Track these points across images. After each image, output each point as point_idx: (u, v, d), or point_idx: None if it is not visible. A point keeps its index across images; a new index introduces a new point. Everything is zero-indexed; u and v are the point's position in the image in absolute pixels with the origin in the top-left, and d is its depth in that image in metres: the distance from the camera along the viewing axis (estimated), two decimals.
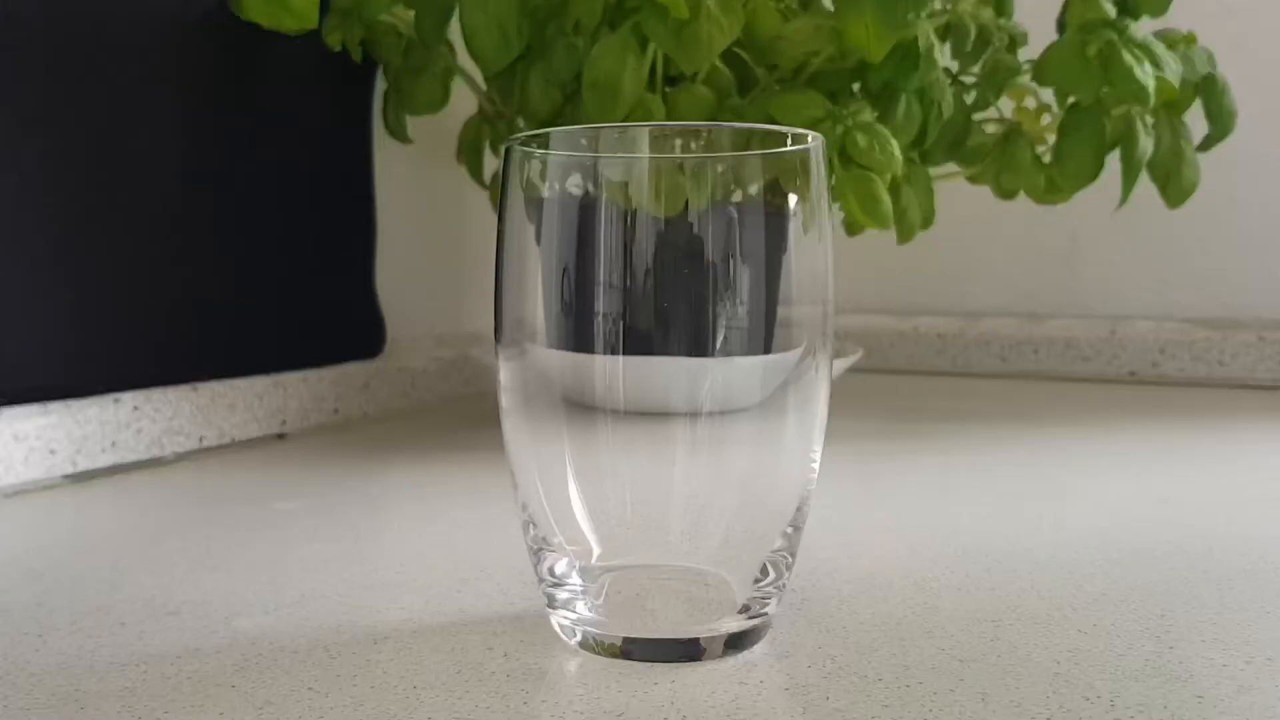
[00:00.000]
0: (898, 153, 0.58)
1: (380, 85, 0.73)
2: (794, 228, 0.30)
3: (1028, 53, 0.67)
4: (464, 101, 0.72)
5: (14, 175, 0.53)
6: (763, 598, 0.31)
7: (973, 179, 0.73)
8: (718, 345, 0.28)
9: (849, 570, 0.39)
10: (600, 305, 0.28)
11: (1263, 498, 0.51)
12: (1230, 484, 0.54)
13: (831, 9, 0.59)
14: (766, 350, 0.29)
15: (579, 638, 0.31)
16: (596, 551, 0.31)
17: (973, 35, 0.62)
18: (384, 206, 0.75)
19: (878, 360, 1.02)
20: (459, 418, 0.73)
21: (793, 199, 0.30)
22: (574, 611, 0.31)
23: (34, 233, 0.54)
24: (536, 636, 0.32)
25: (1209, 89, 0.70)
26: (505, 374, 0.31)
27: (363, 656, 0.31)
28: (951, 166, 0.71)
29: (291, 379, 0.66)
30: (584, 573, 0.31)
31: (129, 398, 0.57)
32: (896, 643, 0.32)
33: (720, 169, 0.29)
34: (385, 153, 0.75)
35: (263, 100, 0.65)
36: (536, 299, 0.30)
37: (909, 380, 0.96)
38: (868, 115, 0.59)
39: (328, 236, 0.71)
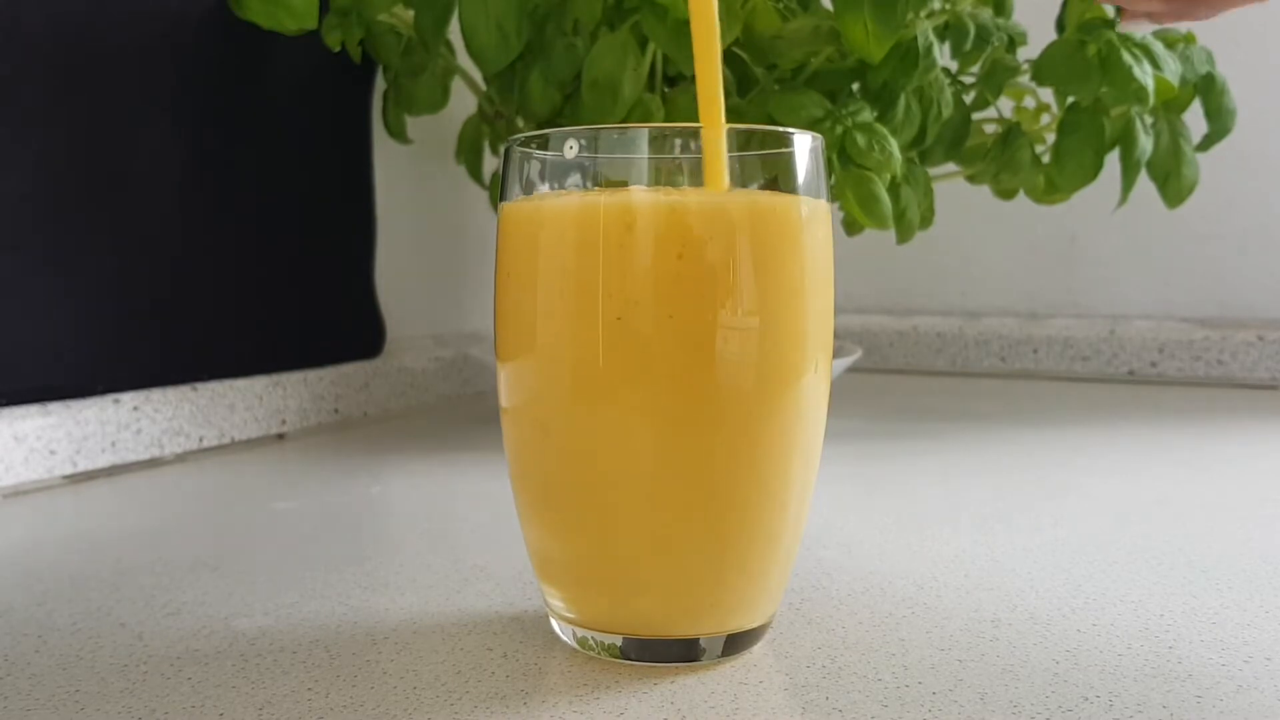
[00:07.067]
0: (897, 152, 0.58)
1: (380, 85, 0.73)
2: None
3: (1027, 52, 0.67)
4: (464, 101, 0.72)
5: (14, 175, 0.53)
6: None
7: (972, 179, 0.73)
8: (718, 346, 0.28)
9: (849, 570, 0.39)
10: (600, 305, 0.28)
11: (1262, 497, 0.51)
12: (1230, 484, 0.54)
13: (831, 9, 0.59)
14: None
15: (578, 638, 0.31)
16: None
17: (972, 35, 0.62)
18: (384, 206, 0.75)
19: (877, 360, 1.02)
20: (459, 418, 0.73)
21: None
22: (573, 612, 0.31)
23: (34, 233, 0.54)
24: (536, 636, 0.32)
25: (1208, 88, 0.70)
26: (505, 375, 0.31)
27: (363, 656, 0.31)
28: (951, 166, 0.71)
29: (291, 379, 0.66)
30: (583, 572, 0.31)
31: (129, 398, 0.57)
32: (896, 643, 0.32)
33: None
34: (385, 153, 0.75)
35: (262, 100, 0.65)
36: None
37: (908, 380, 0.96)
38: (867, 115, 0.59)
39: (328, 236, 0.71)
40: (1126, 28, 0.37)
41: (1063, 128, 0.66)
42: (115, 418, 0.56)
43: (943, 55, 0.62)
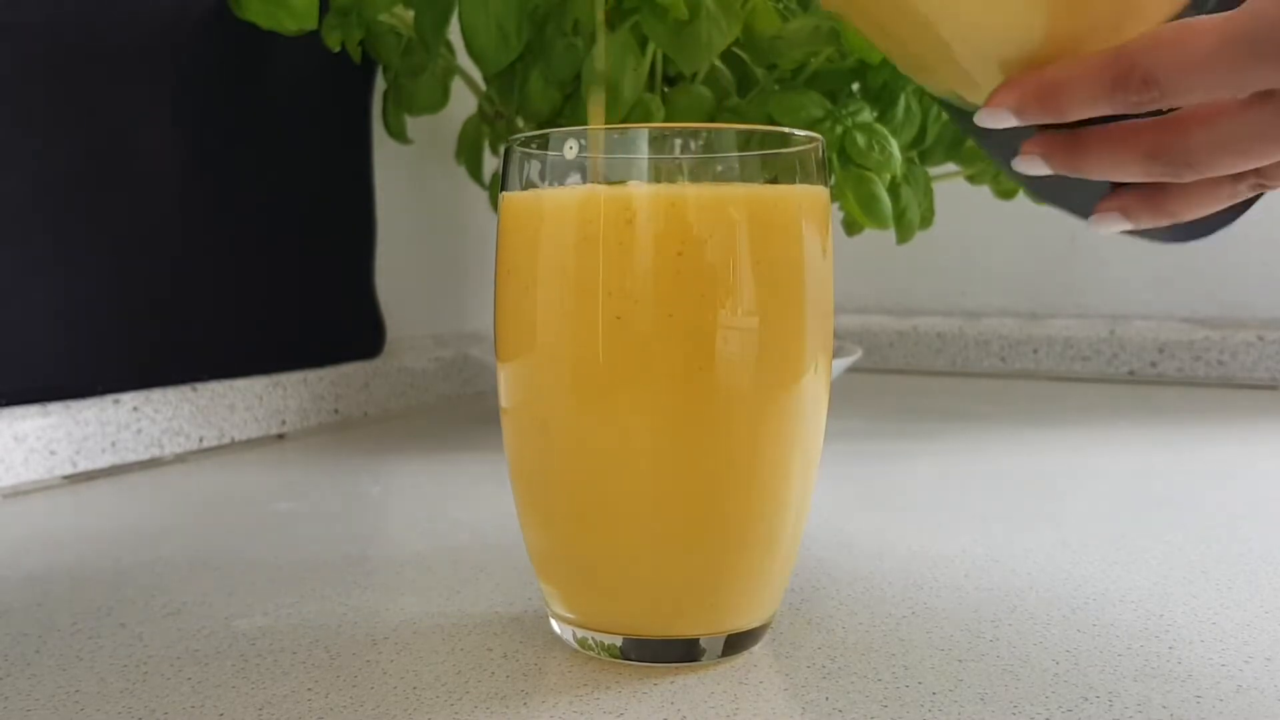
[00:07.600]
0: (897, 152, 0.58)
1: (380, 85, 0.73)
2: None
3: None
4: (464, 101, 0.72)
5: (14, 175, 0.53)
6: None
7: (972, 179, 0.73)
8: (717, 345, 0.28)
9: (849, 570, 0.39)
10: (599, 303, 0.28)
11: (1262, 497, 0.51)
12: (1229, 484, 0.54)
13: None
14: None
15: (578, 638, 0.31)
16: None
17: None
18: (384, 206, 0.75)
19: (877, 360, 1.02)
20: (459, 418, 0.73)
21: None
22: (573, 612, 0.31)
23: (34, 233, 0.54)
24: (536, 637, 0.32)
25: None
26: (505, 374, 0.31)
27: (363, 657, 0.31)
28: (951, 166, 0.71)
29: (291, 379, 0.66)
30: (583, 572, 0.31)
31: (129, 398, 0.57)
32: (896, 643, 0.32)
33: (720, 169, 0.29)
34: (385, 153, 0.75)
35: (262, 100, 0.65)
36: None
37: (908, 380, 0.96)
38: (867, 115, 0.59)
39: (328, 236, 0.71)
40: (1099, 225, 0.33)
41: None
42: (115, 418, 0.56)
43: None
